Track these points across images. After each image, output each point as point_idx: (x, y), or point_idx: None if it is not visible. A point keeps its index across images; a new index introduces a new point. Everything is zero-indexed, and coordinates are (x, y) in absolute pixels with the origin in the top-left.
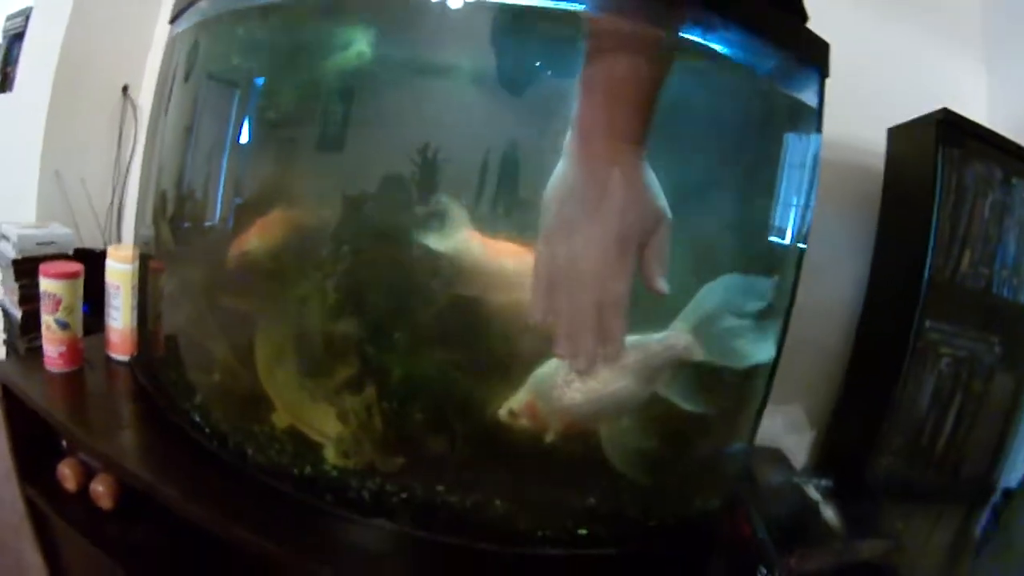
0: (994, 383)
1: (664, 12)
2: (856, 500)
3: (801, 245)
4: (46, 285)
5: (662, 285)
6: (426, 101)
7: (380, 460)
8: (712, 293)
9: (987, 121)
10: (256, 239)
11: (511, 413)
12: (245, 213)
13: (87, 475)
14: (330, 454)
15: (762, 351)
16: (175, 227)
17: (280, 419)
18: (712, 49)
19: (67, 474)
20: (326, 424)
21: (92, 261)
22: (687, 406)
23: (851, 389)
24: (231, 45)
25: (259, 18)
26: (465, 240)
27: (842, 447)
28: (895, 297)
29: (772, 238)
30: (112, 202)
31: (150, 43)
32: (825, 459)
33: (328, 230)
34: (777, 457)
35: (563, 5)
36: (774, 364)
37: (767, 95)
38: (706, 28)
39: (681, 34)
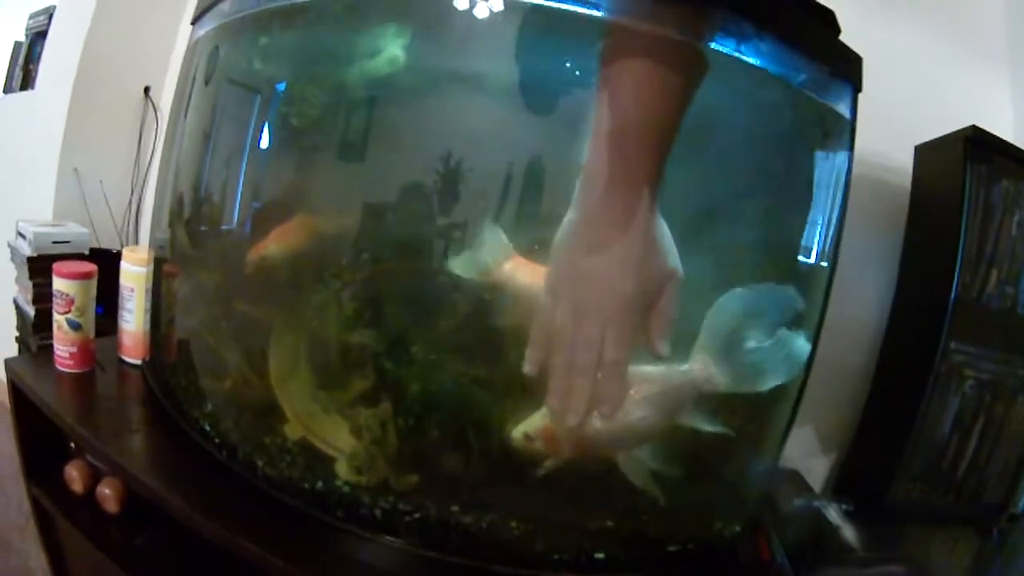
0: (1017, 407)
1: (692, 19)
2: (876, 524)
3: (824, 264)
4: (59, 284)
5: (663, 349)
6: (458, 110)
7: (394, 477)
8: (724, 313)
9: (1012, 139)
10: (274, 245)
11: (526, 437)
12: (264, 219)
13: (94, 478)
14: (342, 469)
15: (787, 372)
16: (191, 231)
17: (292, 431)
18: (744, 60)
19: (74, 476)
20: (339, 438)
21: (108, 262)
22: (709, 429)
23: (873, 410)
24: (254, 48)
25: (284, 20)
26: (492, 257)
27: (863, 469)
28: (920, 317)
29: (801, 256)
30: (130, 203)
31: (173, 45)
32: (845, 481)
33: (349, 239)
34: (795, 479)
35: (584, 9)
36: (802, 386)
37: (800, 108)
38: (739, 39)
39: (713, 46)
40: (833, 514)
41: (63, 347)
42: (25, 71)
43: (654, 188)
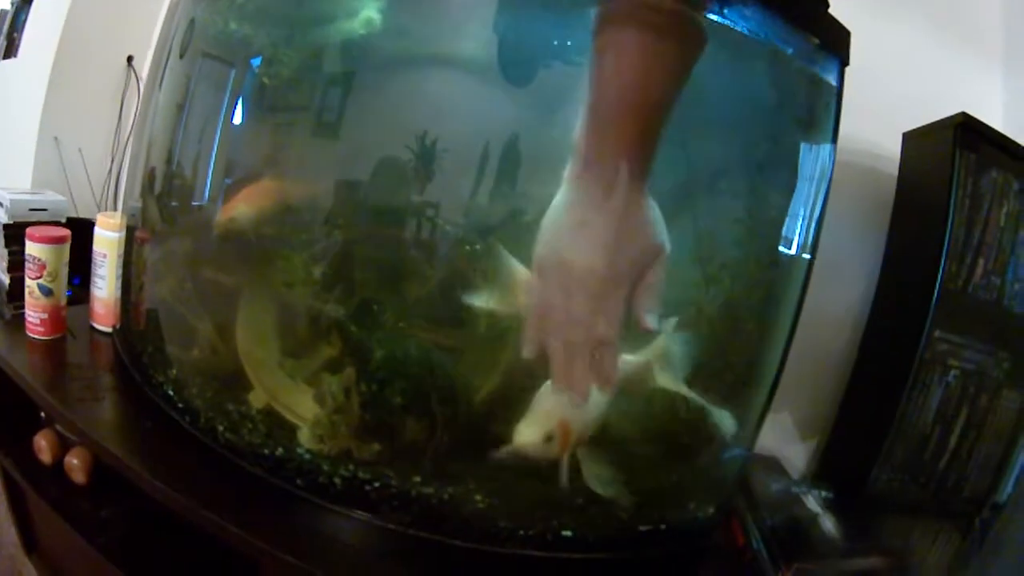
0: (1001, 399)
1: None
2: (856, 512)
3: (807, 251)
4: (31, 249)
5: (651, 322)
6: (435, 77)
7: (356, 446)
8: None
9: (1002, 129)
10: (243, 206)
11: (548, 440)
12: (235, 180)
13: (63, 448)
14: (304, 437)
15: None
16: (162, 194)
17: (256, 399)
18: (729, 28)
19: (43, 446)
20: (303, 406)
21: (85, 231)
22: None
23: (855, 398)
24: (230, 7)
25: None
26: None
27: (843, 458)
28: (904, 305)
29: (783, 235)
30: (110, 172)
31: (157, 14)
32: (825, 469)
33: (319, 202)
34: (773, 465)
35: None
36: (777, 373)
37: (785, 79)
38: (723, 3)
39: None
40: (812, 501)
41: (34, 313)
42: (9, 39)
43: (644, 164)
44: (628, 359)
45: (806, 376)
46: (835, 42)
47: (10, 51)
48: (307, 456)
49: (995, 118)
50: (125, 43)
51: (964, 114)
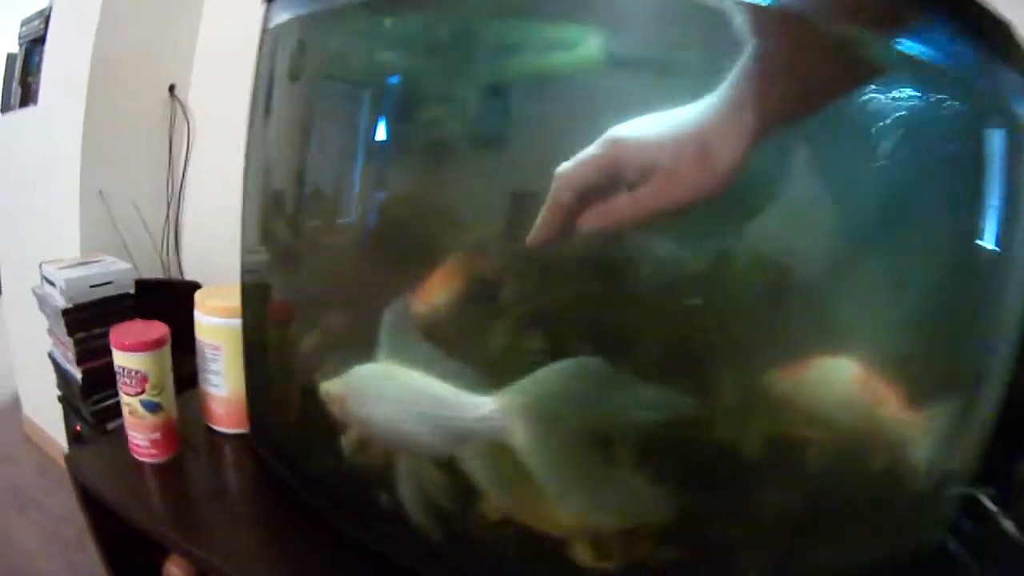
0: None
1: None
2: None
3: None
4: (124, 360)
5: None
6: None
7: (656, 552)
8: None
9: None
10: (440, 290)
11: (328, 395)
12: (406, 253)
13: (200, 572)
14: (582, 551)
15: None
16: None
17: (489, 508)
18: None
19: (175, 573)
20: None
21: (154, 294)
22: None
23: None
24: (373, 39)
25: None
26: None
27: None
28: None
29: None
30: (167, 218)
31: (196, 32)
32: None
33: (514, 264)
34: None
35: None
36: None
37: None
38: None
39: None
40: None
41: (141, 435)
42: (24, 85)
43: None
44: None
45: None
46: None
47: (27, 98)
48: None
49: None
50: (165, 71)
51: None
